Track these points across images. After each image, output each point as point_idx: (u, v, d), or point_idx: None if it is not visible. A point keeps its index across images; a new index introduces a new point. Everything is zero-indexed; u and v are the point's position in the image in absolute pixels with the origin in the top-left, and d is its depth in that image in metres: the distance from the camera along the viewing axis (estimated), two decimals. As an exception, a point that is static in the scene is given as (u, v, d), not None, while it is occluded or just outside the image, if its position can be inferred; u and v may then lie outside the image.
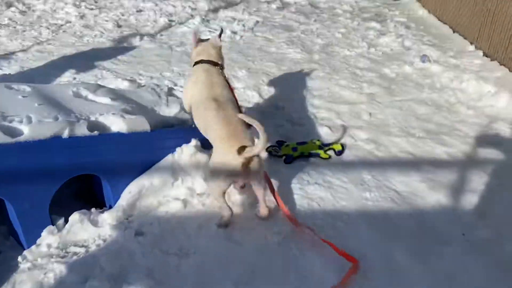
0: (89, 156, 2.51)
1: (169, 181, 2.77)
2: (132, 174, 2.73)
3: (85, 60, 4.66)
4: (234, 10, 6.49)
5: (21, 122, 2.36)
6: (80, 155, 2.48)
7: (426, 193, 2.78)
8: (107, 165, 2.61)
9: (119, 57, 4.78)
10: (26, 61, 4.61)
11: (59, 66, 4.49)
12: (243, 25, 5.82)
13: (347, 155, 3.19)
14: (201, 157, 2.90)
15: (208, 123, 2.56)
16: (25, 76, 4.24)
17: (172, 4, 6.65)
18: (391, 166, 3.07)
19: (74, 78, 4.19)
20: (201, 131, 2.71)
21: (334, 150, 3.20)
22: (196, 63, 2.89)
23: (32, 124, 2.35)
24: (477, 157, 3.17)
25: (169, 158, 2.88)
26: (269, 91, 4.08)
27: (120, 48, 5.06)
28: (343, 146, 3.25)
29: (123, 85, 4.04)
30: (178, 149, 2.90)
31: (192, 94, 2.76)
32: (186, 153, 2.89)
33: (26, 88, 2.83)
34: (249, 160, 2.32)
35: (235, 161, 2.30)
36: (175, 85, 4.17)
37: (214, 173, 2.44)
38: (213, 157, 2.47)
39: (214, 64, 2.85)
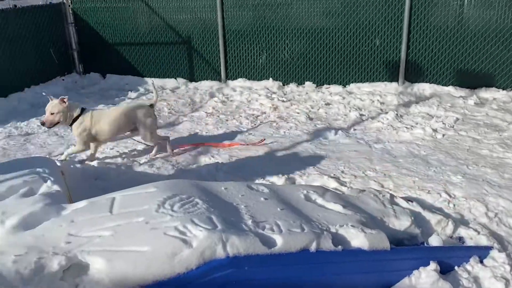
0: (331, 273, 2.33)
1: (408, 310, 2.42)
2: (368, 297, 2.47)
3: (286, 153, 4.78)
4: (426, 105, 6.18)
5: (272, 230, 2.32)
6: (323, 271, 2.31)
7: None
8: (346, 284, 2.40)
9: (317, 151, 4.80)
10: (233, 150, 4.91)
11: (264, 158, 4.67)
12: (443, 122, 5.43)
13: None
14: (444, 285, 2.51)
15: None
16: (235, 166, 4.47)
17: (359, 97, 6.67)
18: None
19: (281, 173, 4.24)
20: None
21: None
22: (82, 110, 4.44)
23: (283, 234, 2.29)
24: None
25: (405, 282, 2.55)
26: (496, 204, 3.54)
27: (316, 141, 5.11)
28: None
29: (330, 183, 3.96)
30: (415, 272, 2.57)
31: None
32: (425, 278, 2.54)
33: (264, 189, 2.87)
34: None
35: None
36: (382, 186, 3.93)
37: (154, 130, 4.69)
38: (147, 126, 4.59)
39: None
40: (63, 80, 8.34)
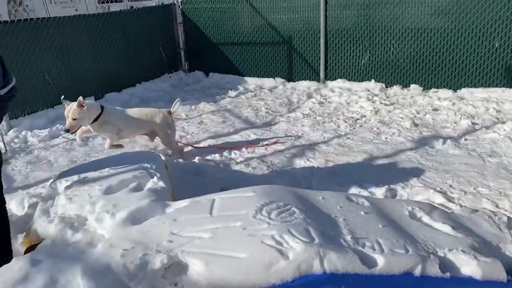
0: (438, 301, 2.13)
1: None
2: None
3: (387, 161, 4.53)
4: (554, 115, 5.45)
5: (373, 249, 2.18)
6: (430, 299, 2.12)
7: None
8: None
9: (422, 161, 4.47)
10: (329, 154, 4.79)
11: (362, 165, 4.47)
12: None
13: None
14: None
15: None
16: (331, 172, 4.34)
17: (471, 104, 6.09)
18: None
19: (381, 183, 4.02)
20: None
21: None
22: (102, 108, 4.42)
23: (385, 254, 2.14)
24: None
25: (526, 321, 2.24)
26: None
27: (421, 150, 4.76)
28: None
29: (435, 198, 3.66)
30: (538, 311, 2.24)
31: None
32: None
33: (365, 202, 2.72)
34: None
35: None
36: (496, 206, 3.53)
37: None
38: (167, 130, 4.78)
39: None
40: (170, 77, 8.86)
